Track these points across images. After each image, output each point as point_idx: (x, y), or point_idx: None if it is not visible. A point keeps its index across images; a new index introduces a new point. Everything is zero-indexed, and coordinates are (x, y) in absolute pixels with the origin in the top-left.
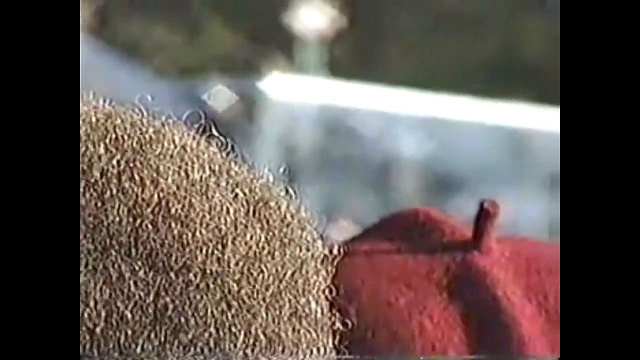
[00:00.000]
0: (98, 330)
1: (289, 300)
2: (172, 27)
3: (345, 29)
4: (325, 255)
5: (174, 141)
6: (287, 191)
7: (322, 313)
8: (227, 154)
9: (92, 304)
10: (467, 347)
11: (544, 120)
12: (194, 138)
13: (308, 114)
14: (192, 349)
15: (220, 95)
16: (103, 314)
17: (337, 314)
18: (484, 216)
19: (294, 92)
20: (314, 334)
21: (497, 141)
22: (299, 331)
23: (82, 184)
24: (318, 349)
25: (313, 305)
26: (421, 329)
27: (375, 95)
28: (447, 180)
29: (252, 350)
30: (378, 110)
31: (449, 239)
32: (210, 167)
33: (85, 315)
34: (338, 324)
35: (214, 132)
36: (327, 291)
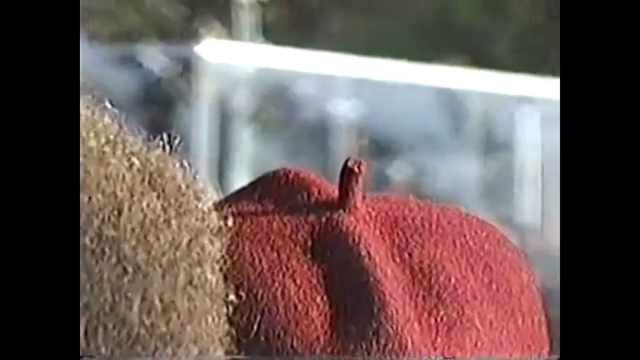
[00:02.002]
0: None
1: (185, 269)
2: None
3: None
4: (220, 227)
5: None
6: (181, 163)
7: (217, 284)
8: (120, 125)
9: None
10: (329, 307)
11: (476, 82)
12: (87, 107)
13: (244, 78)
14: (87, 312)
15: (156, 59)
16: None
17: (232, 286)
18: (348, 175)
19: (230, 56)
20: (208, 304)
21: (432, 103)
22: (194, 300)
23: None
24: (212, 318)
25: (208, 275)
26: (283, 291)
27: (310, 58)
28: (383, 142)
29: (148, 316)
30: (313, 73)
31: (316, 199)
32: (105, 136)
33: None
34: (232, 296)
35: (107, 104)
36: (221, 262)
